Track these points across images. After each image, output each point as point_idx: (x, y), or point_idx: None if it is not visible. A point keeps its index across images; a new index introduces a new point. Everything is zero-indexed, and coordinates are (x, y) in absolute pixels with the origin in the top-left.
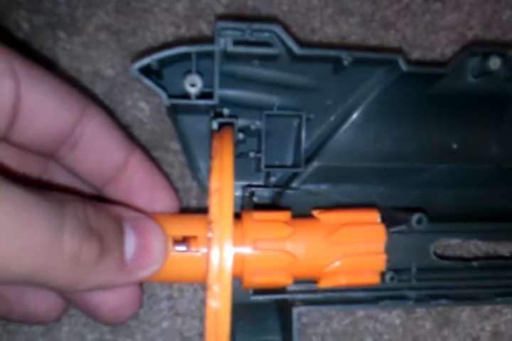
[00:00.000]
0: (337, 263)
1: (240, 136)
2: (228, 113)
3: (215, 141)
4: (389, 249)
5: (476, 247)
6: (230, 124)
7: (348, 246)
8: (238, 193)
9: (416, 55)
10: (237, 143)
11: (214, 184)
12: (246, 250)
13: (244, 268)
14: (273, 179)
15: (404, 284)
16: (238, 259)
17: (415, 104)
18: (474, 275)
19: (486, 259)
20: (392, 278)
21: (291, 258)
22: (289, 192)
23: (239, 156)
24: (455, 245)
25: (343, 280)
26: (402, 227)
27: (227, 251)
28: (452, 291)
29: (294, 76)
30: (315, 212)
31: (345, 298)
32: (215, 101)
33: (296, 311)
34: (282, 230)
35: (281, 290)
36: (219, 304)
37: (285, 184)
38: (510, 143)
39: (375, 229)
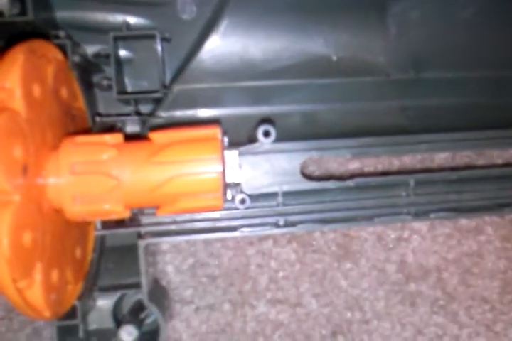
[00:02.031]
0: (168, 186)
1: (76, 58)
2: (65, 35)
3: None
4: (249, 172)
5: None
6: (62, 46)
7: (177, 166)
8: None
9: None
10: (74, 67)
11: None
12: (61, 176)
13: (62, 195)
14: (140, 108)
15: (269, 210)
16: (53, 188)
17: (283, 10)
18: (350, 197)
19: (363, 177)
20: (242, 201)
21: (114, 181)
22: (154, 120)
23: (96, 86)
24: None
25: (180, 205)
26: (255, 145)
27: None
28: (326, 214)
29: None
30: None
31: (201, 227)
32: (29, 17)
33: (142, 243)
34: (103, 152)
35: (135, 223)
36: None
37: (151, 113)
38: (397, 52)
39: (208, 145)
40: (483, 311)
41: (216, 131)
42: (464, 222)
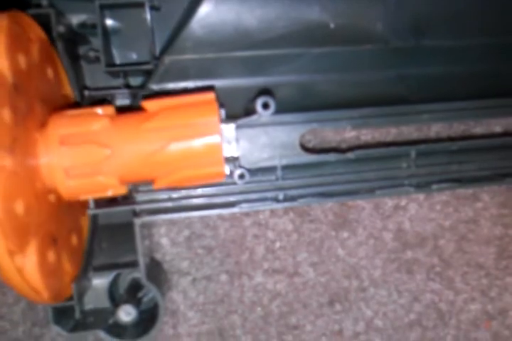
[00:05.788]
0: (164, 152)
1: (61, 28)
2: (47, 3)
3: None
4: (246, 145)
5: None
6: (45, 16)
7: (172, 131)
8: None
9: None
10: (58, 38)
11: None
12: (52, 149)
13: (54, 170)
14: (130, 80)
15: (268, 184)
16: (45, 165)
17: None
18: (351, 169)
19: (362, 148)
20: (241, 176)
21: (107, 150)
22: (145, 94)
23: (82, 59)
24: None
25: (178, 175)
26: (254, 117)
27: None
28: (326, 187)
29: None
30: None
31: (199, 204)
32: None
33: (137, 222)
34: (95, 122)
35: (130, 201)
36: None
37: (142, 85)
38: (397, 18)
39: (205, 108)
40: (479, 277)
41: (212, 96)
42: (461, 189)
